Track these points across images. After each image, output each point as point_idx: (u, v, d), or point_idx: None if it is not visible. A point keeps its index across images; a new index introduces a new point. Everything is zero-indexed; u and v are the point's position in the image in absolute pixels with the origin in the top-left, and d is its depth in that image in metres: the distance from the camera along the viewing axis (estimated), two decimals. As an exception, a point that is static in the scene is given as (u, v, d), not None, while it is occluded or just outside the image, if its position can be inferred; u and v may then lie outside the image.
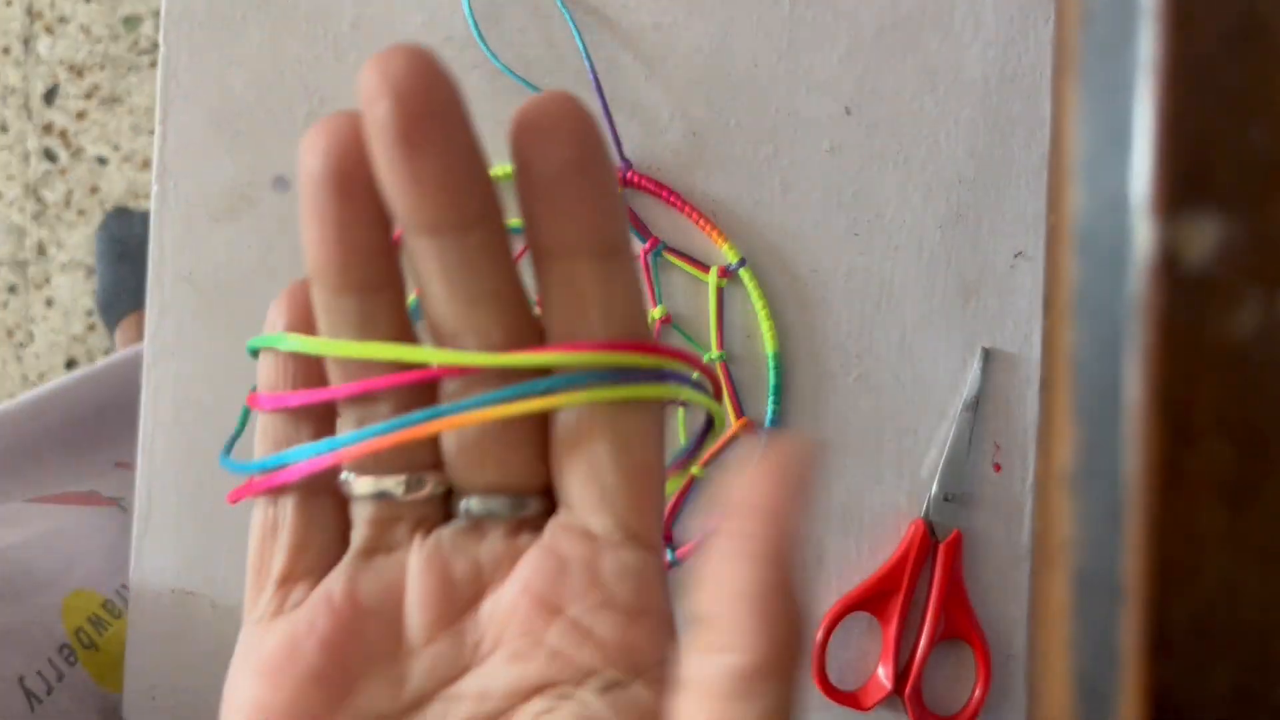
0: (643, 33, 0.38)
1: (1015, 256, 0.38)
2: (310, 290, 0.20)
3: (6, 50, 1.15)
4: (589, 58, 0.37)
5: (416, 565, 0.20)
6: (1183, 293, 0.15)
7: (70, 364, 1.15)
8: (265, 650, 0.20)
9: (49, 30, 1.14)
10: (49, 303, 1.15)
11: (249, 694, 0.20)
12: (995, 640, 0.38)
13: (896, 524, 0.39)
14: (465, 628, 0.20)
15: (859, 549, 0.39)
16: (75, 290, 1.14)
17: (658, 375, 0.19)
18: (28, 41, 1.15)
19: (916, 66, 0.38)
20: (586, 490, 0.19)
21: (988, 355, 0.38)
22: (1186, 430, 0.15)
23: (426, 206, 0.18)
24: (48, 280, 1.15)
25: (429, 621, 0.20)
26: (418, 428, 0.19)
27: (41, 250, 1.15)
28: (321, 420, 0.20)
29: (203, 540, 0.40)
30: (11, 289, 1.15)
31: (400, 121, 0.17)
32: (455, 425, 0.19)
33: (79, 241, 1.14)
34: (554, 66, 0.38)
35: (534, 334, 0.20)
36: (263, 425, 0.21)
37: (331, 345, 0.19)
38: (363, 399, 0.20)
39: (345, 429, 0.20)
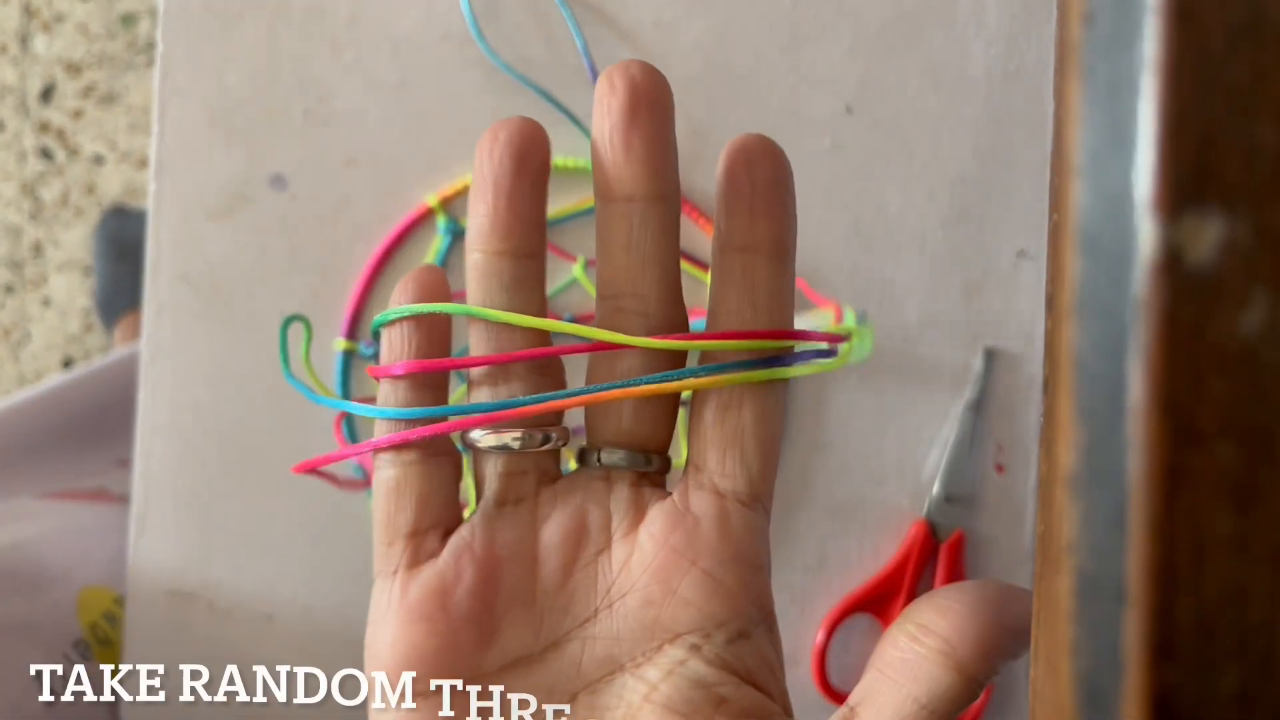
0: (642, 30, 0.38)
1: (1018, 255, 0.38)
2: (432, 277, 0.23)
3: (3, 48, 1.15)
4: (588, 55, 0.37)
5: (553, 512, 0.23)
6: (1187, 292, 0.15)
7: (67, 363, 1.15)
8: (413, 599, 0.22)
9: (46, 28, 1.14)
10: (46, 302, 1.15)
11: (405, 641, 0.22)
12: (997, 642, 0.38)
13: (898, 525, 0.38)
14: (597, 572, 0.22)
15: (860, 550, 0.39)
16: (72, 290, 1.14)
17: (791, 356, 0.23)
18: (24, 39, 1.14)
19: (919, 64, 0.38)
20: (728, 455, 0.22)
21: (990, 355, 0.38)
22: (1191, 431, 0.15)
23: (633, 175, 0.22)
24: (45, 280, 1.14)
25: (563, 565, 0.22)
26: (581, 398, 0.22)
27: (38, 250, 1.14)
28: (439, 390, 0.23)
29: (200, 541, 0.40)
30: (8, 289, 1.15)
31: (629, 104, 0.21)
32: (617, 398, 0.22)
33: (76, 241, 1.14)
34: (552, 64, 0.38)
35: (681, 307, 0.23)
36: (383, 395, 0.23)
37: (497, 313, 0.22)
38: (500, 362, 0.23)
39: (481, 387, 0.23)
